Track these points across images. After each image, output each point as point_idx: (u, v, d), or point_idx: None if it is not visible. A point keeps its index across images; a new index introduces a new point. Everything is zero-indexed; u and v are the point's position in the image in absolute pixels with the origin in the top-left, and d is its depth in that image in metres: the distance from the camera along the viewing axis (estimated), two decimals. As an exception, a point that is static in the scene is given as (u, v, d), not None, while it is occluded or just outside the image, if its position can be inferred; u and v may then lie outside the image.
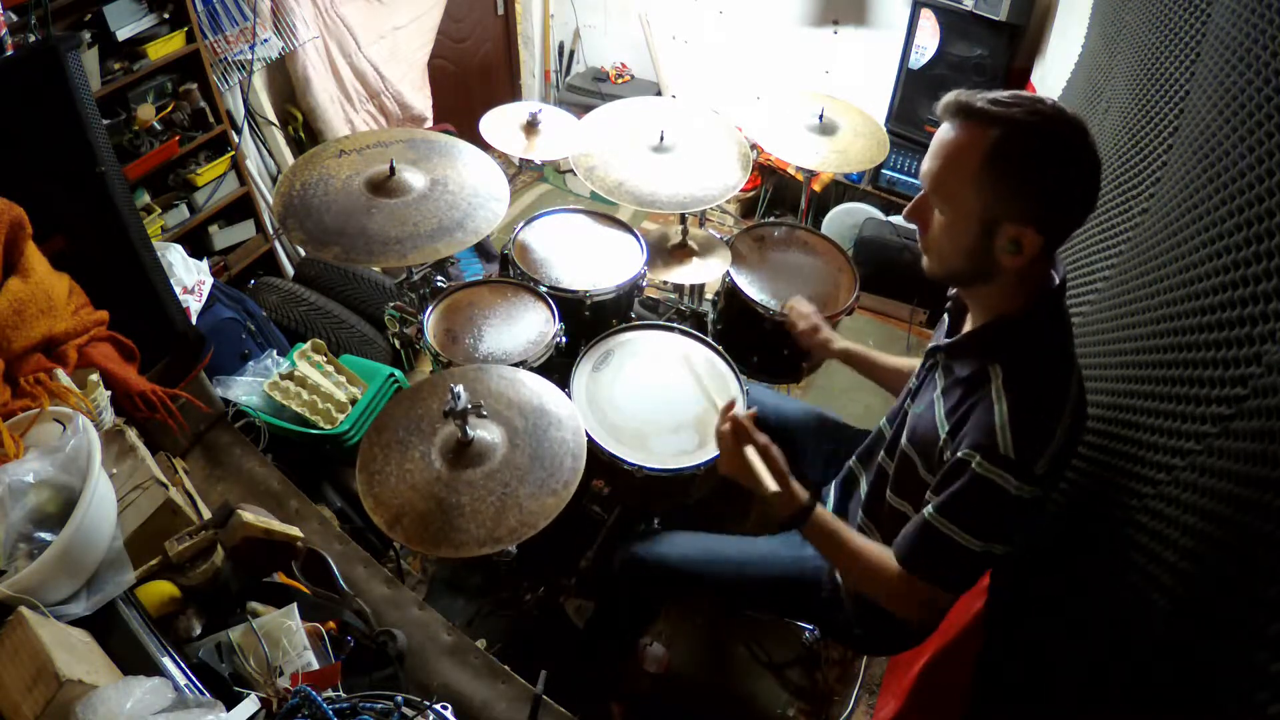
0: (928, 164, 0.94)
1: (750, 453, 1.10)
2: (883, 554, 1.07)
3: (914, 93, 2.89)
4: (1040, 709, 1.04)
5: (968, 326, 1.07)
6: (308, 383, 1.96)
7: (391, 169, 1.53)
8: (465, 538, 1.13)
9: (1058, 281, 0.97)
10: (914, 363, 1.33)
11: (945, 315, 1.16)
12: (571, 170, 1.88)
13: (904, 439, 1.12)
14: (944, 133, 0.92)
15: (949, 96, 0.91)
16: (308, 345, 2.05)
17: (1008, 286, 0.97)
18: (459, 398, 1.17)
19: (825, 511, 1.11)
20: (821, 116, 1.97)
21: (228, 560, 1.04)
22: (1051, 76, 2.30)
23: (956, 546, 0.95)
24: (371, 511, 1.16)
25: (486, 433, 1.26)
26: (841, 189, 3.17)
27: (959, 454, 0.95)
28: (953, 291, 1.11)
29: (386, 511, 1.16)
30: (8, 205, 1.16)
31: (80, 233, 1.37)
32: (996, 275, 0.95)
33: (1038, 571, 1.16)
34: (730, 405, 1.15)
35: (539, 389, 1.36)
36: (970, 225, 0.92)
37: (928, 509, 0.98)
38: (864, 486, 1.28)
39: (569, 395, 1.41)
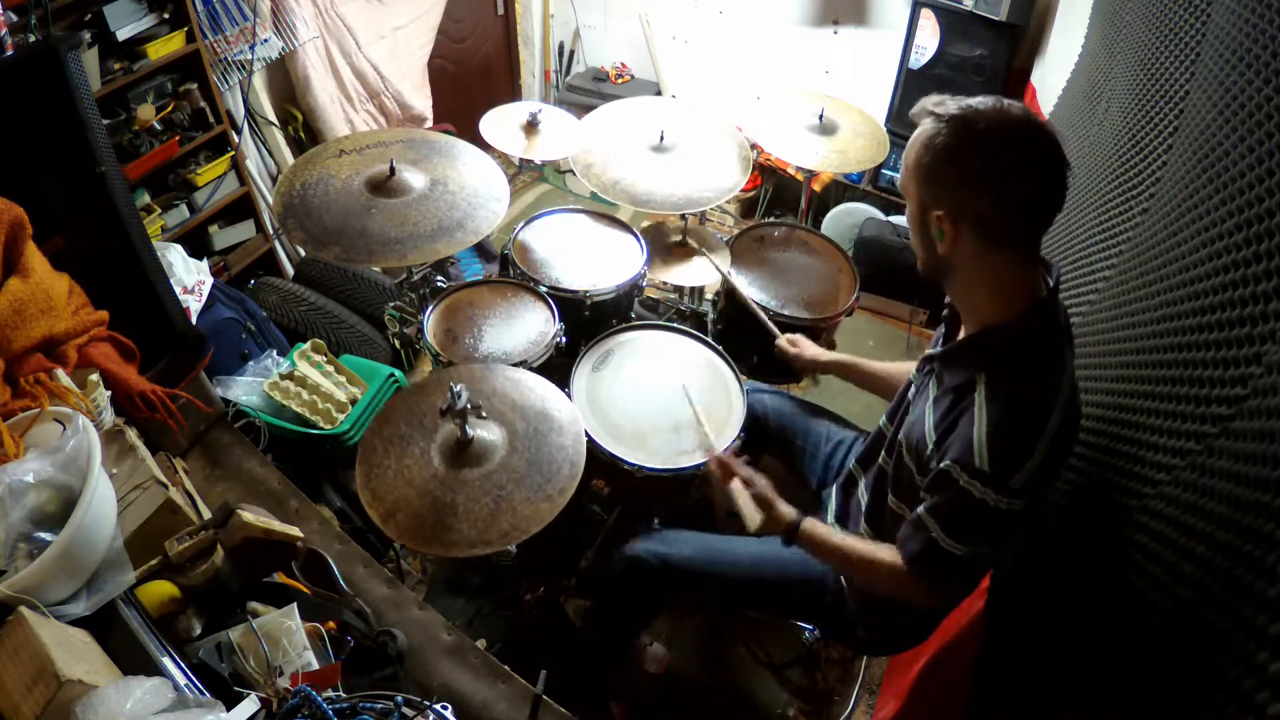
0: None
1: (735, 487, 1.18)
2: (874, 550, 1.10)
3: (914, 93, 2.85)
4: (1040, 709, 1.04)
5: (961, 335, 1.08)
6: (308, 383, 1.95)
7: (391, 169, 1.53)
8: (457, 537, 1.13)
9: (1045, 292, 0.98)
10: (904, 367, 1.34)
11: (943, 324, 1.16)
12: (571, 170, 1.88)
13: (901, 439, 1.13)
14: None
15: (919, 103, 0.97)
16: (308, 345, 2.05)
17: (976, 289, 1.00)
18: (459, 396, 1.17)
19: (813, 523, 1.15)
20: (821, 116, 1.97)
21: (228, 560, 1.05)
22: (1051, 76, 2.30)
23: (943, 551, 0.98)
24: (367, 505, 1.17)
25: (487, 433, 1.26)
26: (841, 189, 3.17)
27: (942, 465, 0.97)
28: (949, 299, 1.12)
29: (381, 505, 1.17)
30: (8, 205, 1.16)
31: (80, 233, 1.37)
32: (950, 268, 0.99)
33: (1038, 572, 1.16)
34: (716, 453, 1.27)
35: (543, 392, 1.36)
36: (917, 214, 0.99)
37: (920, 507, 1.02)
38: (864, 490, 1.28)
39: (569, 395, 1.41)
